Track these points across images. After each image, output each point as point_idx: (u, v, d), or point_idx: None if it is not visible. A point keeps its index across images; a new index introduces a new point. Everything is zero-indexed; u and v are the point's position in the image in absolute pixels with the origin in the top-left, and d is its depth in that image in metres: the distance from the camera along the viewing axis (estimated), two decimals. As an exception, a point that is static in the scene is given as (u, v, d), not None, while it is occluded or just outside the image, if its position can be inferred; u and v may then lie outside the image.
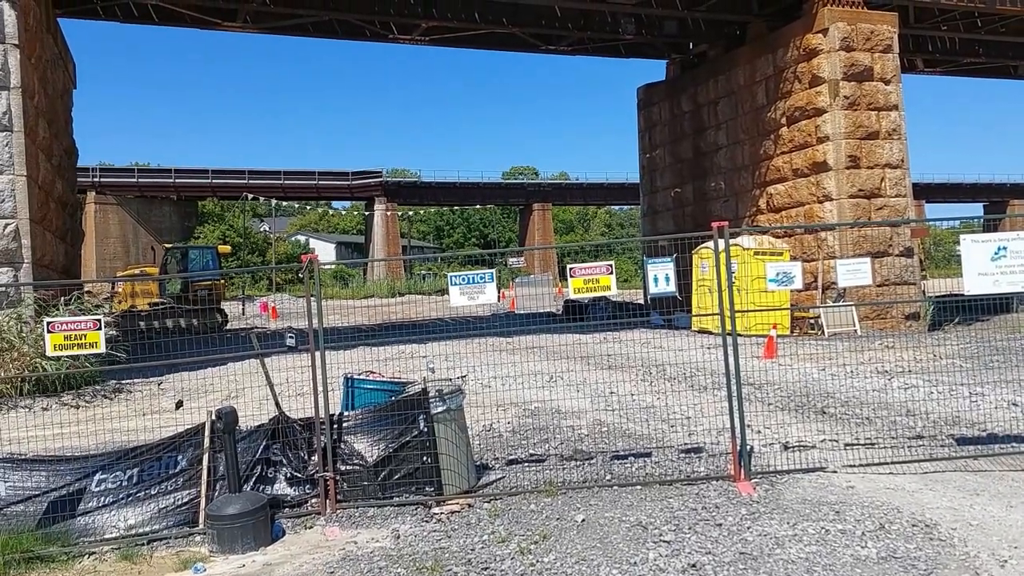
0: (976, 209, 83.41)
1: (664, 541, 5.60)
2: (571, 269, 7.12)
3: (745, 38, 23.44)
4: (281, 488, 7.27)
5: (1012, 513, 5.88)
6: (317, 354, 7.26)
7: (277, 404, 7.45)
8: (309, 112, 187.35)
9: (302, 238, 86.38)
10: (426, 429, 7.15)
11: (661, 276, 7.24)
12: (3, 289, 12.97)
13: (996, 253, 7.02)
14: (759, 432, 8.72)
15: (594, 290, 7.07)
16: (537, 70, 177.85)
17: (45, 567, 6.25)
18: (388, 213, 69.57)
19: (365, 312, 29.91)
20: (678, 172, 26.29)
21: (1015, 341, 15.61)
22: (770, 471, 7.15)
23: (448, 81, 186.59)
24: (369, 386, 7.62)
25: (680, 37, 24.66)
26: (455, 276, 7.18)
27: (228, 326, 27.37)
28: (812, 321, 20.05)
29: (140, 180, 58.83)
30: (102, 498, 7.00)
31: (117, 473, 7.08)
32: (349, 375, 7.80)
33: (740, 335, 18.98)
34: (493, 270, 7.13)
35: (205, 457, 7.14)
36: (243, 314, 35.98)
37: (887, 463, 7.23)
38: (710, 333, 19.78)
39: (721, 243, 7.22)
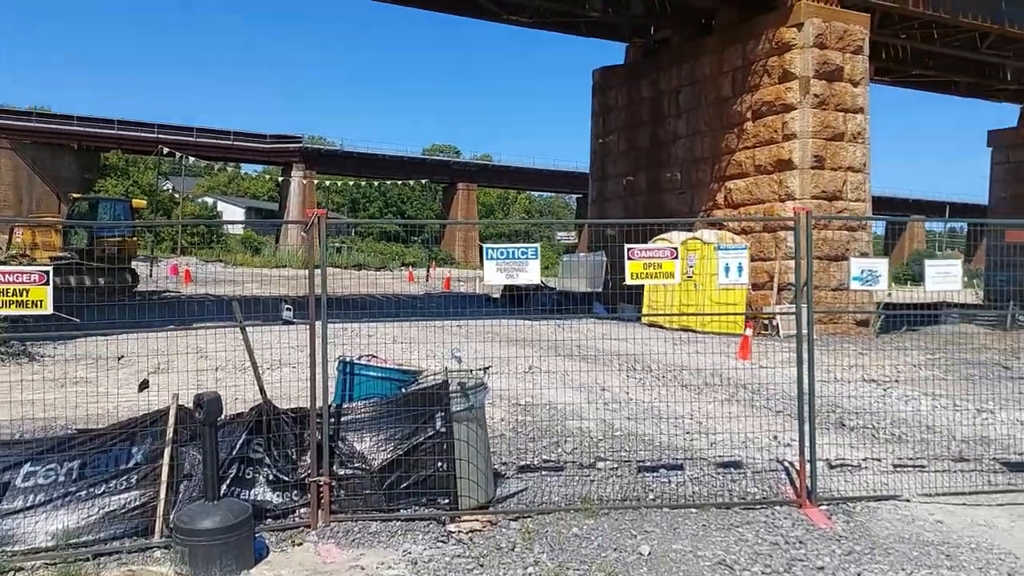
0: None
1: (767, 588, 4.62)
2: (629, 250, 6.03)
3: (713, 27, 22.79)
4: (262, 493, 5.94)
5: None
6: (318, 327, 5.95)
7: (261, 389, 6.11)
8: (224, 69, 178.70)
9: (210, 200, 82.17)
10: (444, 430, 5.97)
11: (733, 266, 6.26)
12: None
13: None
14: (787, 445, 7.88)
15: (655, 276, 6.01)
16: (463, 47, 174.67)
17: (-46, 588, 4.78)
18: (305, 181, 66.83)
19: (285, 284, 28.09)
20: (632, 160, 25.51)
21: (982, 355, 15.52)
22: (837, 498, 6.29)
23: (362, 48, 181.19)
24: (373, 374, 6.35)
25: (646, 19, 23.82)
26: (492, 249, 5.99)
27: (137, 288, 25.12)
28: (766, 322, 19.64)
29: (38, 125, 54.25)
30: (31, 496, 5.54)
31: (52, 465, 5.62)
32: (347, 358, 6.50)
33: (694, 331, 18.48)
34: (538, 245, 5.97)
35: (167, 451, 5.76)
36: (151, 276, 33.40)
37: (959, 493, 6.49)
38: (662, 328, 19.14)
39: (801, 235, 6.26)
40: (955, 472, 7.14)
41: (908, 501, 6.27)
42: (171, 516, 5.48)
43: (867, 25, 20.18)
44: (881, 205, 79.22)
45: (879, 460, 7.51)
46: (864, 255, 20.30)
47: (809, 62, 19.50)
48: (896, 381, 12.24)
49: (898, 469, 7.19)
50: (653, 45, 25.58)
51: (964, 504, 6.29)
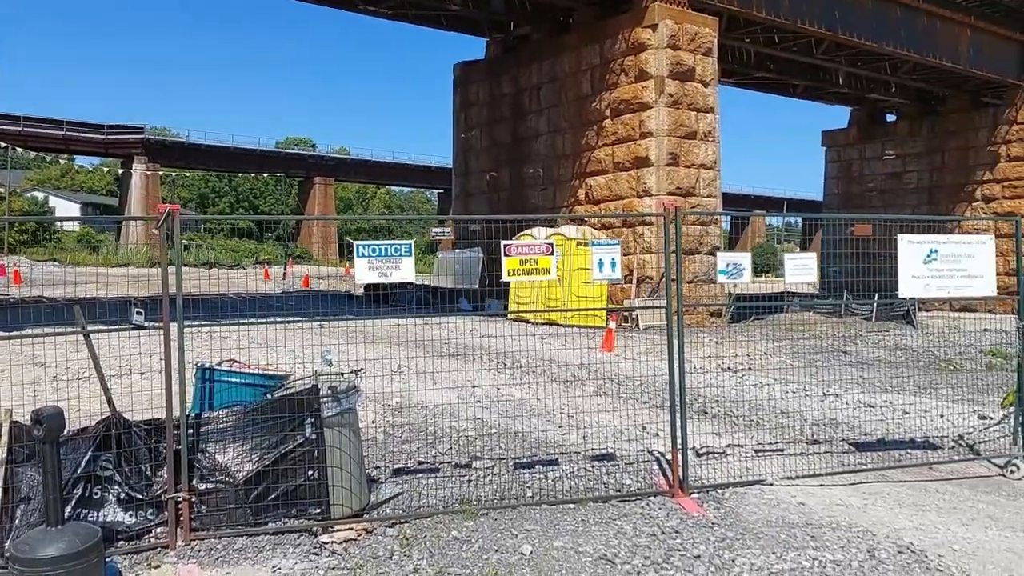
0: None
1: (649, 581, 4.66)
2: (505, 246, 5.95)
3: (571, 25, 23.17)
4: (112, 513, 5.45)
5: (975, 532, 5.61)
6: (173, 329, 5.51)
7: (109, 400, 5.59)
8: (63, 55, 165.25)
9: (40, 195, 75.97)
10: (314, 437, 5.68)
11: (607, 261, 6.29)
12: None
13: (928, 256, 6.81)
14: (656, 435, 8.06)
15: (532, 272, 5.96)
16: (320, 39, 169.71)
17: None
18: (148, 174, 63.01)
19: (130, 284, 26.34)
20: (495, 156, 25.57)
21: (823, 341, 16.59)
22: (707, 485, 6.46)
23: (209, 36, 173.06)
24: (235, 380, 5.95)
25: (506, 15, 23.91)
26: (364, 246, 5.74)
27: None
28: (626, 314, 20.18)
29: None
30: None
31: None
32: (206, 364, 6.06)
33: (559, 325, 18.75)
34: (411, 242, 5.78)
35: (0, 473, 5.18)
36: (-28, 275, 30.48)
37: (817, 475, 6.82)
38: (528, 322, 19.31)
39: (673, 228, 6.37)
40: (810, 455, 7.52)
41: (772, 485, 6.53)
42: (6, 545, 4.94)
43: (716, 28, 21.11)
44: (728, 201, 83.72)
45: (742, 446, 7.81)
46: (716, 248, 21.27)
47: (663, 62, 20.17)
48: (750, 369, 12.84)
49: (759, 454, 7.50)
50: (513, 41, 25.73)
51: (821, 485, 6.63)
